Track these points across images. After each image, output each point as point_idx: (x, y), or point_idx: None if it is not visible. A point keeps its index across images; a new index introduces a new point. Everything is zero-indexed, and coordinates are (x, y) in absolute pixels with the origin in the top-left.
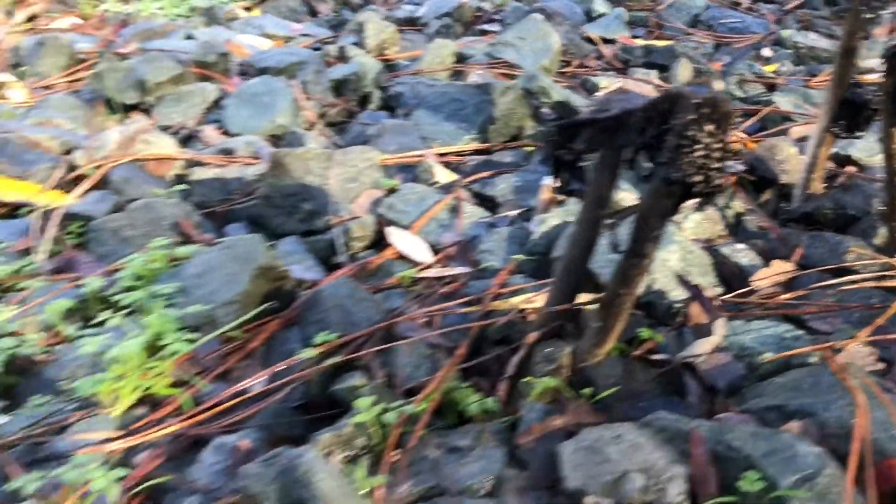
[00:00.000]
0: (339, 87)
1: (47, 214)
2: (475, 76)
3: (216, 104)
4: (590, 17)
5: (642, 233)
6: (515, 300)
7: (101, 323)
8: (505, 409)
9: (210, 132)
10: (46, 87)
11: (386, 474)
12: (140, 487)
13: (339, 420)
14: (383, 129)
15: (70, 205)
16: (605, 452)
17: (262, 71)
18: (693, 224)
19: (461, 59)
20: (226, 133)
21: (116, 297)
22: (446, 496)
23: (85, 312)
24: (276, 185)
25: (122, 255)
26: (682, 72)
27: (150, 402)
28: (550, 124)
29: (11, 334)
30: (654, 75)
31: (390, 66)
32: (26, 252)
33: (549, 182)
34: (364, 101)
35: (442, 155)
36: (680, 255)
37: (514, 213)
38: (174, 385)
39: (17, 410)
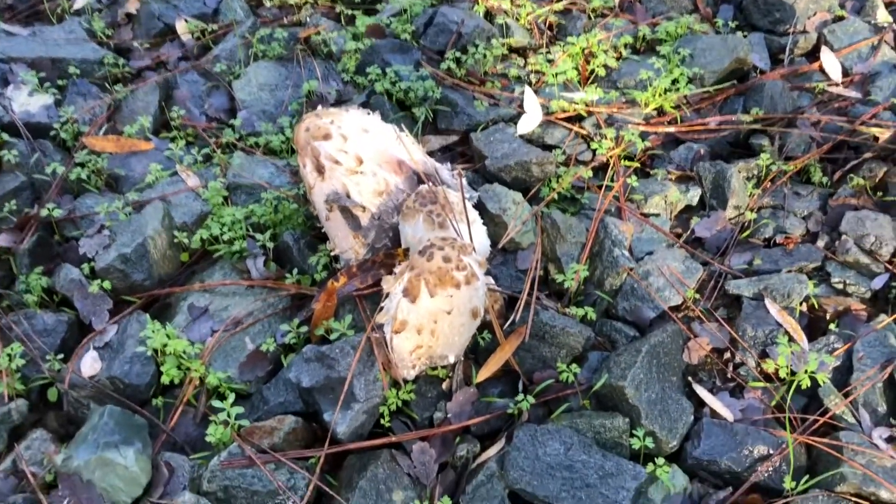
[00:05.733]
0: None
1: None
2: None
3: None
4: None
5: None
6: (875, 130)
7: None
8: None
9: None
10: None
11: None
12: (640, 152)
13: (748, 159)
14: None
15: None
16: None
17: None
18: None
19: None
20: None
21: (657, 43)
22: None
23: (635, 45)
24: None
25: (659, 13)
26: None
27: (659, 110)
28: None
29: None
30: None
31: None
32: None
33: None
34: None
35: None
36: None
37: None
38: (674, 107)
39: None
